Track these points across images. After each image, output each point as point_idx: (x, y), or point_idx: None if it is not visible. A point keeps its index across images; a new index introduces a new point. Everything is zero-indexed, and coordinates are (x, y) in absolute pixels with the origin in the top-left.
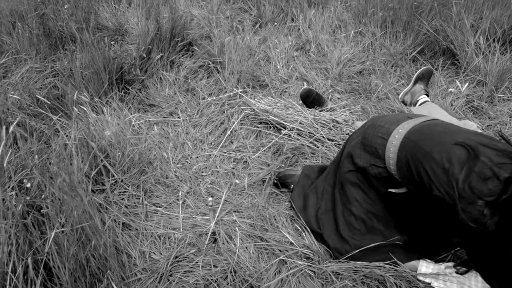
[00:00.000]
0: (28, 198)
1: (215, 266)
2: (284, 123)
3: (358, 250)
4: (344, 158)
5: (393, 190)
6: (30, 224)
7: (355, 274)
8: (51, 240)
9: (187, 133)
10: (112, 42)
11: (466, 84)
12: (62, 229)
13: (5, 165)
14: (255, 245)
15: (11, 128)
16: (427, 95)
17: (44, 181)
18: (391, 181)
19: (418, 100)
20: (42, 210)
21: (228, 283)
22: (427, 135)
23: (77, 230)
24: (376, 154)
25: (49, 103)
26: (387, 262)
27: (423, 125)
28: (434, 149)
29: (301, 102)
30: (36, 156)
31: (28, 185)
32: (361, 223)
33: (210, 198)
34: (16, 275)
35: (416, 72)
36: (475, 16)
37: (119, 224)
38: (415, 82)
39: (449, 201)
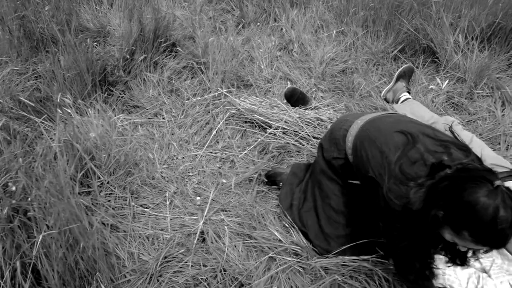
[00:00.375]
0: (13, 201)
1: (204, 265)
2: (270, 122)
3: (340, 250)
4: (318, 151)
5: (353, 181)
6: (17, 227)
7: (344, 269)
8: (38, 243)
9: (172, 134)
10: (95, 44)
11: (446, 81)
12: (50, 231)
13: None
14: (243, 243)
15: None
16: (409, 93)
17: (30, 184)
18: (352, 172)
19: (400, 98)
20: (28, 213)
21: (218, 282)
22: (377, 125)
23: (65, 233)
24: (338, 146)
25: (32, 105)
26: (374, 256)
27: (380, 117)
28: (378, 136)
29: (285, 101)
30: (21, 159)
31: (13, 188)
32: (341, 216)
33: (198, 198)
34: (4, 279)
35: (397, 70)
36: (453, 15)
37: (106, 226)
38: (397, 80)
39: (380, 181)
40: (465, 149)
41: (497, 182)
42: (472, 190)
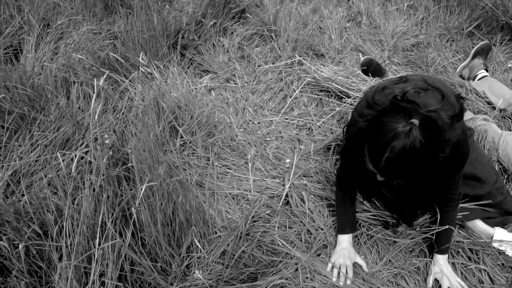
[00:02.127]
0: (110, 153)
1: (290, 227)
2: (347, 91)
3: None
4: None
5: None
6: (117, 177)
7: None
8: (142, 192)
9: (246, 100)
10: (166, 8)
11: None
12: (152, 183)
13: (96, 117)
14: (328, 209)
15: (101, 81)
16: (486, 70)
17: (125, 137)
18: None
19: (477, 75)
20: (127, 165)
21: (303, 243)
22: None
23: (164, 185)
24: None
25: (121, 60)
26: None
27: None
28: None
29: (360, 71)
30: (111, 116)
31: (107, 141)
32: None
33: (287, 160)
34: (107, 227)
35: (473, 47)
36: None
37: (193, 183)
38: (474, 57)
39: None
40: (447, 101)
41: (414, 121)
42: (393, 116)
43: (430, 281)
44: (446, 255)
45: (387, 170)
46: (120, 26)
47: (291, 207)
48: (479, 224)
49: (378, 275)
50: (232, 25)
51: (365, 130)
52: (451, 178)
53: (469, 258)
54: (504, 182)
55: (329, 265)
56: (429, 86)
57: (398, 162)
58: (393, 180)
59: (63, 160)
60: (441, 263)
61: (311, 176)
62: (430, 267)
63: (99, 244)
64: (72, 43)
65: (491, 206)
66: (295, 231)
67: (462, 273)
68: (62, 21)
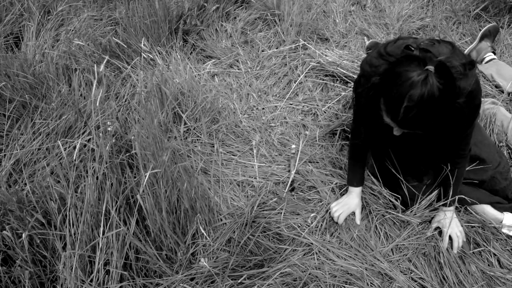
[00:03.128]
0: (113, 141)
1: (297, 214)
2: (353, 75)
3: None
4: None
5: None
6: (121, 165)
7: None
8: (146, 179)
9: (249, 85)
10: None
11: None
12: (156, 170)
13: (97, 104)
14: (334, 194)
15: (102, 67)
16: (494, 53)
17: (128, 124)
18: None
19: (484, 58)
20: (130, 152)
21: (311, 227)
22: None
23: (168, 172)
24: None
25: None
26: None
27: None
28: None
29: (364, 55)
30: (113, 102)
31: (110, 128)
32: None
33: (293, 146)
34: (111, 216)
35: (480, 29)
36: None
37: (197, 170)
38: (481, 39)
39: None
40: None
41: (430, 67)
42: (407, 65)
43: (432, 227)
44: (452, 208)
45: (406, 121)
46: (121, 12)
47: (297, 193)
48: (488, 210)
49: (389, 255)
50: (235, 10)
51: (379, 84)
52: (465, 129)
53: (478, 244)
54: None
55: (331, 207)
56: (440, 40)
57: (418, 110)
58: (412, 131)
59: (65, 149)
60: (446, 213)
61: (317, 162)
62: (434, 216)
63: (103, 233)
64: (73, 30)
65: (495, 192)
66: (302, 217)
67: (473, 254)
68: (63, 8)
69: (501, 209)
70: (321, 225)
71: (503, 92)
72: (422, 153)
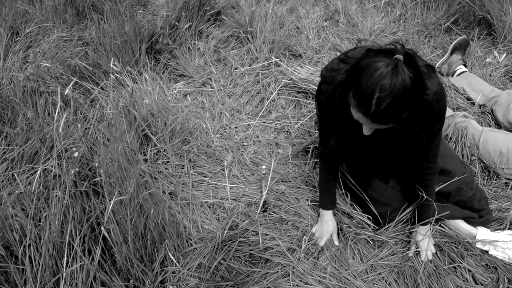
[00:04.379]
0: (77, 169)
1: (267, 235)
2: None
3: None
4: None
5: None
6: (85, 192)
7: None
8: (110, 208)
9: (222, 104)
10: (140, 11)
11: (504, 55)
12: (121, 197)
13: (60, 130)
14: (308, 213)
15: (67, 90)
16: (465, 65)
17: (95, 149)
18: None
19: (456, 70)
20: (96, 179)
21: (287, 250)
22: None
23: (134, 199)
24: None
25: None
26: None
27: None
28: None
29: None
30: (79, 125)
31: (76, 154)
32: None
33: (263, 166)
34: (75, 245)
35: (451, 42)
36: None
37: (166, 194)
38: (452, 52)
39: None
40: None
41: (398, 56)
42: (373, 57)
43: (413, 249)
44: (428, 226)
45: (379, 113)
46: (91, 32)
47: (270, 214)
48: (462, 225)
49: (362, 275)
50: (207, 28)
51: (346, 81)
52: (433, 126)
53: (453, 260)
54: (485, 179)
55: (312, 231)
56: (402, 44)
57: (390, 101)
58: (384, 124)
59: (30, 175)
60: (422, 233)
61: (290, 181)
62: (412, 236)
63: (67, 264)
64: (41, 52)
65: (463, 202)
66: (275, 238)
67: (448, 273)
68: (32, 29)
69: (474, 224)
70: (299, 246)
71: (474, 104)
72: (390, 152)
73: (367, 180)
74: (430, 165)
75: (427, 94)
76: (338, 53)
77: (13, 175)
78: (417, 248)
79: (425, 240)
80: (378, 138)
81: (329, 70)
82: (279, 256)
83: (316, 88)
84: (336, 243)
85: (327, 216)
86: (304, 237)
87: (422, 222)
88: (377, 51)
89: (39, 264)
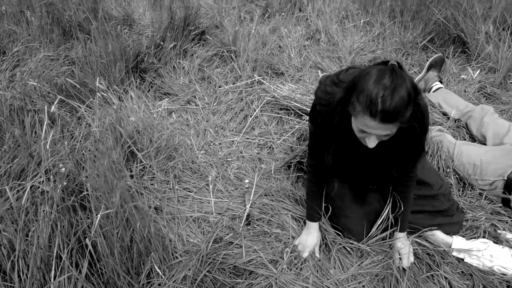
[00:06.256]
0: (64, 183)
1: (250, 247)
2: (306, 108)
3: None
4: None
5: None
6: (73, 207)
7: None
8: (97, 222)
9: (207, 121)
10: (126, 31)
11: (478, 71)
12: (108, 211)
13: (48, 147)
14: (291, 226)
15: (53, 108)
16: (441, 82)
17: (82, 164)
18: None
19: (432, 87)
20: (82, 194)
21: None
22: None
23: (121, 213)
24: None
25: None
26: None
27: None
28: None
29: None
30: (66, 142)
31: (63, 169)
32: None
33: (246, 181)
34: (63, 258)
35: (427, 60)
36: (484, 5)
37: (152, 208)
38: (428, 69)
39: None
40: None
41: (393, 62)
42: (368, 71)
43: (396, 255)
44: (405, 232)
45: (386, 110)
46: (78, 51)
47: (253, 227)
48: (438, 234)
49: (344, 283)
50: (192, 47)
51: (345, 97)
52: (420, 138)
53: (430, 267)
54: (461, 190)
55: (295, 243)
56: None
57: (395, 97)
58: (391, 123)
59: (17, 191)
60: (402, 240)
61: (272, 195)
62: (393, 244)
63: (55, 277)
64: (28, 71)
65: (439, 213)
66: (258, 250)
67: (426, 280)
68: (18, 48)
69: (450, 233)
70: (282, 257)
71: (449, 119)
72: (384, 165)
73: (362, 194)
74: (412, 174)
75: (421, 99)
76: (320, 71)
77: (3, 191)
78: (399, 255)
79: (405, 246)
80: (374, 152)
81: (324, 92)
82: (262, 268)
83: (302, 106)
84: (317, 255)
85: (313, 228)
86: (286, 249)
87: (400, 229)
88: (370, 67)
89: (27, 277)
